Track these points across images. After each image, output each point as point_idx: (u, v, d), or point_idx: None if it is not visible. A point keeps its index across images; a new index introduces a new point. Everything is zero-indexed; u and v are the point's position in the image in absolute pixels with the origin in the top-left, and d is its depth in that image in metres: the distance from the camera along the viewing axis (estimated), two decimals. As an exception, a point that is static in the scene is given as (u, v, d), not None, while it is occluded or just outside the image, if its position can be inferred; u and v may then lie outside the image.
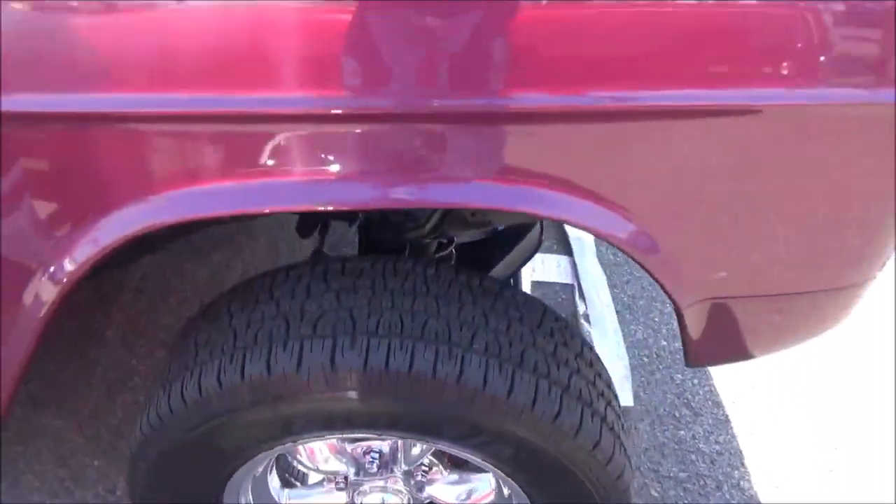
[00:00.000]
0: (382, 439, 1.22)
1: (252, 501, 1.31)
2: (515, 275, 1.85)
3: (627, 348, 2.13)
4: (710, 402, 2.01)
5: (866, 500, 1.81)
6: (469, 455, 1.08)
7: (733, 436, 1.93)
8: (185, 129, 0.82)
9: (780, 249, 0.98)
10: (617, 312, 2.24)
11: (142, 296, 2.14)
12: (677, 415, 1.97)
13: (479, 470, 1.24)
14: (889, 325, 2.31)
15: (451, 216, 1.28)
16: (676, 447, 1.88)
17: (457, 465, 1.32)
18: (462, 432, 1.03)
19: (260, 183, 0.85)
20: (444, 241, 1.43)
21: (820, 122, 0.87)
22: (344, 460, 1.28)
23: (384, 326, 0.98)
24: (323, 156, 0.84)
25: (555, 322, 1.11)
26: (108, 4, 0.75)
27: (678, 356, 2.11)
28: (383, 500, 1.28)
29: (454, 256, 1.50)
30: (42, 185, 0.85)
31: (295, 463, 1.34)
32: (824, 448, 1.93)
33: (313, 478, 1.41)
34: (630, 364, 2.07)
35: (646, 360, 2.13)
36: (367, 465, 1.25)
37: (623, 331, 2.19)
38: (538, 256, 2.08)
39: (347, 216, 1.39)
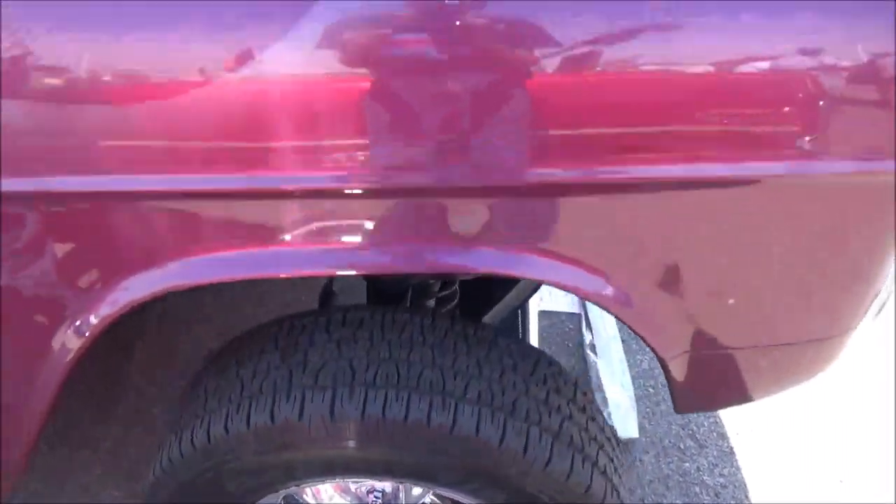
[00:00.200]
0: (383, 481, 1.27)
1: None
2: (523, 306, 1.90)
3: (633, 379, 2.15)
4: (714, 434, 2.02)
5: (871, 533, 1.82)
6: (465, 499, 1.12)
7: (738, 468, 1.94)
8: (200, 206, 0.89)
9: (762, 308, 1.01)
10: (623, 342, 2.27)
11: (163, 327, 2.21)
12: (682, 446, 1.99)
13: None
14: (891, 357, 2.31)
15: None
16: (681, 479, 1.90)
17: None
18: (457, 478, 1.07)
19: (270, 251, 0.91)
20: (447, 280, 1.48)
21: (818, 191, 0.89)
22: (348, 499, 1.33)
23: (381, 377, 1.03)
24: (329, 227, 0.91)
25: (548, 368, 1.15)
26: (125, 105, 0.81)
27: (683, 387, 2.12)
28: (387, 536, 1.33)
29: (458, 294, 1.55)
30: (71, 251, 0.93)
31: (301, 502, 1.39)
32: (829, 481, 1.94)
33: (320, 514, 1.46)
34: (635, 394, 2.09)
35: (651, 390, 2.15)
36: (370, 504, 1.30)
37: (628, 361, 2.21)
38: (545, 287, 2.12)
39: None
